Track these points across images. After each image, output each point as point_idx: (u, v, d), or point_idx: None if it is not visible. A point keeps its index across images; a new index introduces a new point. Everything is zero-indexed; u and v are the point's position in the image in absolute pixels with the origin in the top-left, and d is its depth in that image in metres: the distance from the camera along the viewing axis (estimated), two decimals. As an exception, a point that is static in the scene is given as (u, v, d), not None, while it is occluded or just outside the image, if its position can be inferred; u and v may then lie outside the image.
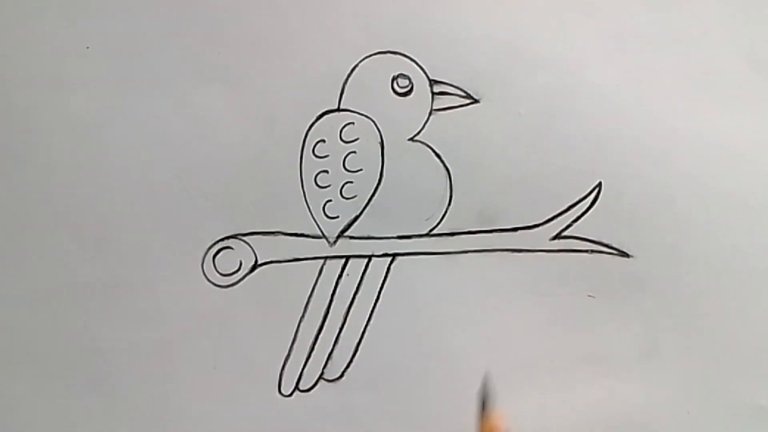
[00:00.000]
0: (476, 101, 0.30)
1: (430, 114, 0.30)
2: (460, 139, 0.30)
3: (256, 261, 0.30)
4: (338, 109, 0.30)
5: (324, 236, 0.30)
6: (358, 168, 0.30)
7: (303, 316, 0.30)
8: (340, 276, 0.30)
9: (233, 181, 0.30)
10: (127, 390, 0.30)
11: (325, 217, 0.30)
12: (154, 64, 0.30)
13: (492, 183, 0.30)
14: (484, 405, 0.27)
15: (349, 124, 0.30)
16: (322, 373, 0.30)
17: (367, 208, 0.30)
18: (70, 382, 0.30)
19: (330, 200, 0.30)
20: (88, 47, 0.30)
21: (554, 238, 0.30)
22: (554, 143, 0.30)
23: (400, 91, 0.30)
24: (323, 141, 0.30)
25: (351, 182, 0.30)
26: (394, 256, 0.30)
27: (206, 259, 0.30)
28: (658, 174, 0.30)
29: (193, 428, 0.30)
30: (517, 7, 0.30)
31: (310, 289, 0.30)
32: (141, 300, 0.30)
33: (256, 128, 0.30)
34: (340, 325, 0.30)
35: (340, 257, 0.30)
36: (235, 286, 0.30)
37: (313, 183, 0.30)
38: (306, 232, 0.30)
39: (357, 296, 0.30)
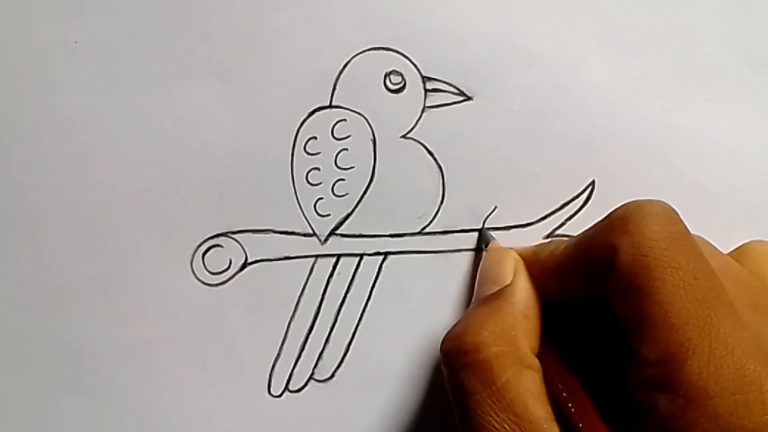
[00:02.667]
0: (469, 98, 0.30)
1: (422, 111, 0.30)
2: (453, 136, 0.30)
3: (246, 259, 0.30)
4: (330, 106, 0.30)
5: (315, 234, 0.30)
6: (350, 165, 0.30)
7: (293, 316, 0.30)
8: (331, 275, 0.30)
9: (223, 178, 0.30)
10: (115, 390, 0.30)
11: (316, 215, 0.30)
12: (144, 60, 0.30)
13: (485, 181, 0.30)
14: (484, 241, 0.29)
15: (340, 121, 0.30)
16: (313, 374, 0.30)
17: (359, 206, 0.30)
18: (56, 382, 0.30)
19: (321, 198, 0.30)
20: (76, 42, 0.30)
21: (547, 236, 0.30)
22: (547, 141, 0.30)
23: (392, 87, 0.30)
24: (315, 138, 0.30)
25: (343, 180, 0.30)
26: (386, 254, 0.30)
27: (195, 257, 0.30)
28: (651, 172, 0.30)
29: (181, 429, 0.30)
30: (511, 3, 0.30)
31: (301, 287, 0.30)
32: (129, 298, 0.30)
33: (246, 125, 0.30)
34: (330, 324, 0.30)
35: (331, 256, 0.30)
36: (224, 285, 0.30)
37: (305, 180, 0.30)
38: (297, 230, 0.30)
39: (348, 295, 0.30)
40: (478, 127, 0.30)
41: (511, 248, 0.28)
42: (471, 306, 0.28)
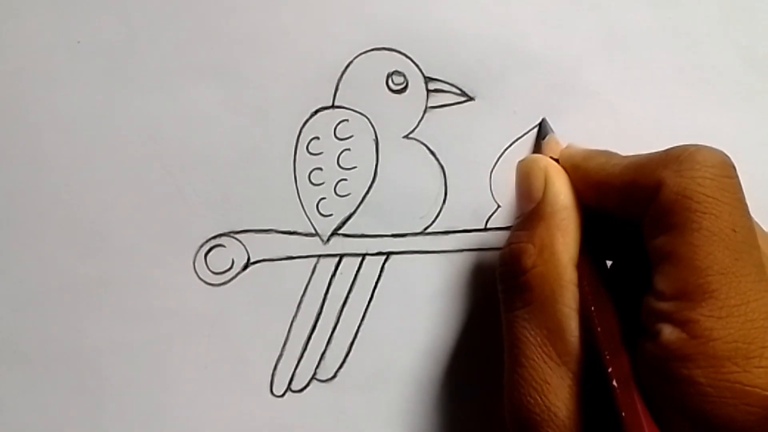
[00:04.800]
0: (471, 99, 0.30)
1: (425, 111, 0.30)
2: (455, 136, 0.30)
3: (248, 259, 0.30)
4: (332, 106, 0.30)
5: (317, 234, 0.30)
6: (353, 165, 0.30)
7: (296, 315, 0.30)
8: (333, 274, 0.30)
9: (226, 178, 0.30)
10: (117, 390, 0.30)
11: (318, 215, 0.30)
12: (146, 60, 0.30)
13: (487, 181, 0.30)
14: (542, 132, 0.29)
15: (343, 121, 0.30)
16: (315, 373, 0.30)
17: (361, 206, 0.30)
18: (59, 382, 0.30)
19: (324, 198, 0.30)
20: (78, 42, 0.30)
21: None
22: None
23: (394, 88, 0.30)
24: (317, 138, 0.30)
25: (345, 180, 0.30)
26: (388, 254, 0.30)
27: (198, 256, 0.30)
28: (653, 173, 0.30)
29: (183, 428, 0.30)
30: (513, 4, 0.30)
31: (303, 287, 0.30)
32: (131, 298, 0.30)
33: (249, 125, 0.30)
34: (333, 324, 0.30)
35: (334, 255, 0.30)
36: (227, 285, 0.30)
37: (307, 180, 0.30)
38: (299, 230, 0.30)
39: (350, 295, 0.30)
40: (480, 128, 0.30)
41: (541, 157, 0.29)
42: (514, 225, 0.28)
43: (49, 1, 0.29)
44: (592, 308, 0.24)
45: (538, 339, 0.25)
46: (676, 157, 0.24)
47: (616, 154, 0.27)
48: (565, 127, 0.30)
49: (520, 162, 0.29)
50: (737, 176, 0.24)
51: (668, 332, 0.22)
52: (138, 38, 0.30)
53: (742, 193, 0.24)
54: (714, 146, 0.24)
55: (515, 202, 0.29)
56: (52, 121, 0.30)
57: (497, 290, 0.27)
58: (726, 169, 0.24)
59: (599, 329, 0.23)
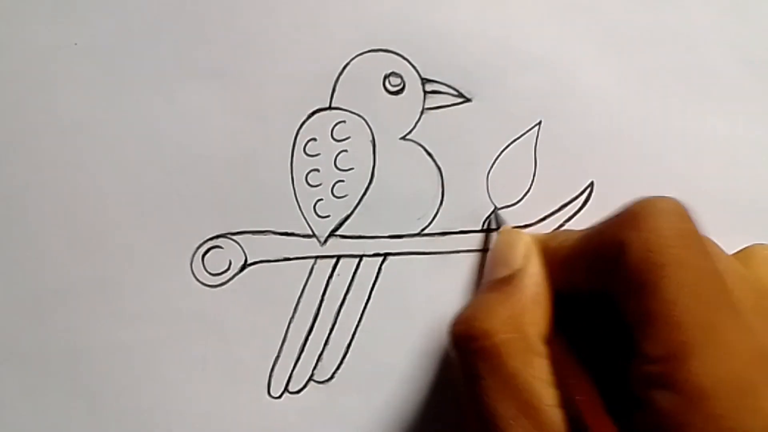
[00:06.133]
0: (468, 100, 0.30)
1: (421, 113, 0.30)
2: (452, 138, 0.30)
3: (245, 260, 0.30)
4: (329, 108, 0.30)
5: (315, 235, 0.30)
6: (350, 167, 0.30)
7: (293, 317, 0.30)
8: (330, 276, 0.30)
9: (223, 179, 0.30)
10: (114, 391, 0.30)
11: (315, 216, 0.30)
12: (144, 61, 0.30)
13: (484, 183, 0.30)
14: (497, 223, 0.29)
15: (340, 122, 0.30)
16: (312, 375, 0.30)
17: (359, 207, 0.30)
18: (55, 383, 0.30)
19: (321, 199, 0.30)
20: (76, 44, 0.30)
21: (546, 237, 0.30)
22: (546, 143, 0.30)
23: (391, 89, 0.30)
24: (314, 139, 0.30)
25: (342, 181, 0.30)
26: (386, 255, 0.30)
27: (195, 258, 0.30)
28: (650, 174, 0.30)
29: (180, 430, 0.30)
30: (510, 6, 0.30)
31: (301, 289, 0.30)
32: (128, 299, 0.30)
33: (246, 126, 0.30)
34: (330, 325, 0.30)
35: (331, 257, 0.30)
36: (224, 286, 0.30)
37: (304, 182, 0.30)
38: (296, 231, 0.30)
39: (348, 296, 0.30)
40: (477, 129, 0.30)
41: (524, 232, 0.29)
42: (481, 288, 0.28)
43: (46, 2, 0.29)
44: (575, 394, 0.23)
45: (512, 411, 0.23)
46: (630, 214, 0.23)
47: (573, 231, 0.27)
48: (562, 129, 0.30)
49: (501, 232, 0.29)
50: (693, 220, 0.23)
51: (660, 398, 0.21)
52: (135, 40, 0.30)
53: (701, 234, 0.23)
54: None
55: (487, 267, 0.29)
56: (49, 123, 0.30)
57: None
58: (682, 215, 0.23)
59: (580, 403, 0.23)
